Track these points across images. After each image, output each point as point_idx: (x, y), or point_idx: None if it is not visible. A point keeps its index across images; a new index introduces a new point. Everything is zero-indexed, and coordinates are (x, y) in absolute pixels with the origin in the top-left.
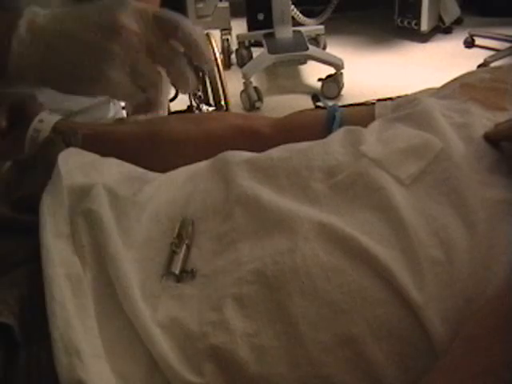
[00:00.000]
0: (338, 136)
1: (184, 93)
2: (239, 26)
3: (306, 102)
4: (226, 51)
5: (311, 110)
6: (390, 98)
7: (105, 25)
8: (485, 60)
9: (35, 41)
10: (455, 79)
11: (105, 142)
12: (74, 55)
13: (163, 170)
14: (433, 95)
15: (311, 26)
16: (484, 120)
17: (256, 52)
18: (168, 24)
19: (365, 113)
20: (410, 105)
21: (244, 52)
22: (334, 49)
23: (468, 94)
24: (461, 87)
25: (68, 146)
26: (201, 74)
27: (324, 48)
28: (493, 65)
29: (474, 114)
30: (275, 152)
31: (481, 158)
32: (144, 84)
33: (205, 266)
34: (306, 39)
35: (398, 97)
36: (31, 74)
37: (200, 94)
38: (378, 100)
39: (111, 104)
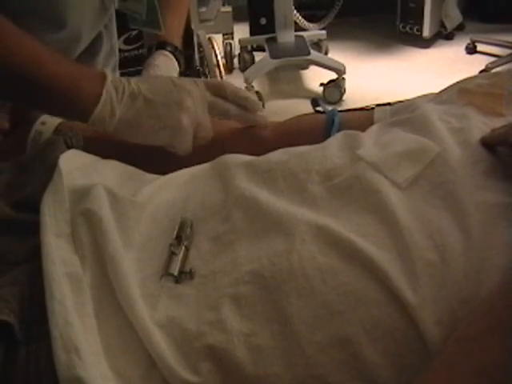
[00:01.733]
0: (336, 140)
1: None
2: (241, 31)
3: (307, 107)
4: (229, 55)
5: (311, 114)
6: (389, 103)
7: (177, 86)
8: (486, 66)
9: (121, 94)
10: (453, 84)
11: (106, 144)
12: (155, 107)
13: (164, 173)
14: (431, 100)
15: (313, 31)
16: (481, 125)
17: (258, 56)
18: (216, 86)
19: (364, 117)
20: (408, 109)
21: (246, 56)
22: (336, 54)
23: (466, 99)
24: (459, 92)
25: (69, 147)
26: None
27: (326, 53)
28: (494, 71)
29: (472, 118)
30: (274, 155)
31: (477, 163)
32: (202, 136)
33: (203, 266)
34: (308, 44)
35: (397, 102)
36: (112, 125)
37: None
38: (377, 105)
39: None
